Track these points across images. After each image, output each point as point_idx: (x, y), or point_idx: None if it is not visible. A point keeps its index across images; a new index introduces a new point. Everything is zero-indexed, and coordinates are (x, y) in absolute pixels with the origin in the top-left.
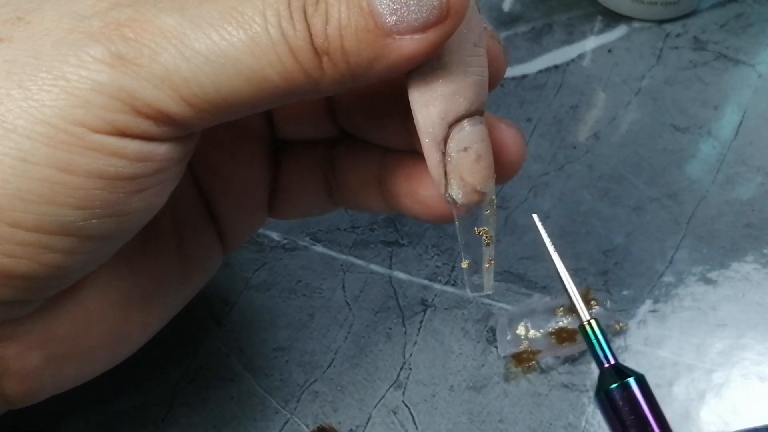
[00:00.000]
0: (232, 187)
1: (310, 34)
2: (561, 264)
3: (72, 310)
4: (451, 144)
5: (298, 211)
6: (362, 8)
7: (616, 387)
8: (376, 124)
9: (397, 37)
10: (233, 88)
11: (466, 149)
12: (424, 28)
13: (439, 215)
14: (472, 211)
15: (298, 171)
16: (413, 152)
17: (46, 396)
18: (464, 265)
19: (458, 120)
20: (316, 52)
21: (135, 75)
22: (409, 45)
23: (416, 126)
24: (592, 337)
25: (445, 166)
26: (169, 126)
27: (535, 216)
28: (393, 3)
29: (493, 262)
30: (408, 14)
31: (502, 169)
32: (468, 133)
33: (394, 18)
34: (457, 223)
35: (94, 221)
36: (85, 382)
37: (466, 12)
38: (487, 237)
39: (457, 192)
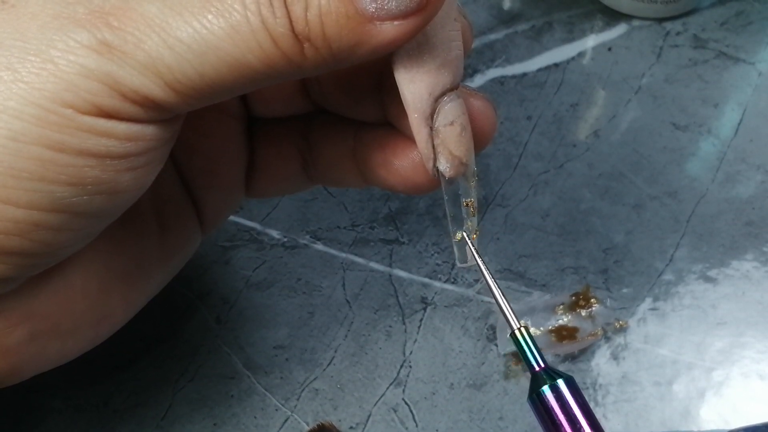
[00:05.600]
0: (209, 167)
1: (290, 21)
2: (488, 273)
3: (56, 286)
4: (439, 118)
5: (275, 189)
6: None
7: (547, 388)
8: (350, 99)
9: (377, 23)
10: (216, 74)
11: (452, 123)
12: (404, 15)
13: (412, 185)
14: (456, 184)
15: (273, 148)
16: (387, 125)
17: (30, 375)
18: (457, 236)
19: (443, 94)
20: (297, 38)
21: (121, 62)
22: (390, 30)
23: (404, 102)
24: (523, 343)
25: (433, 140)
26: (155, 110)
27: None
28: None
29: (477, 234)
30: (389, 2)
31: (477, 139)
32: (452, 106)
33: (374, 5)
34: (445, 197)
35: (85, 198)
36: (68, 361)
37: None
38: (472, 208)
39: (445, 165)
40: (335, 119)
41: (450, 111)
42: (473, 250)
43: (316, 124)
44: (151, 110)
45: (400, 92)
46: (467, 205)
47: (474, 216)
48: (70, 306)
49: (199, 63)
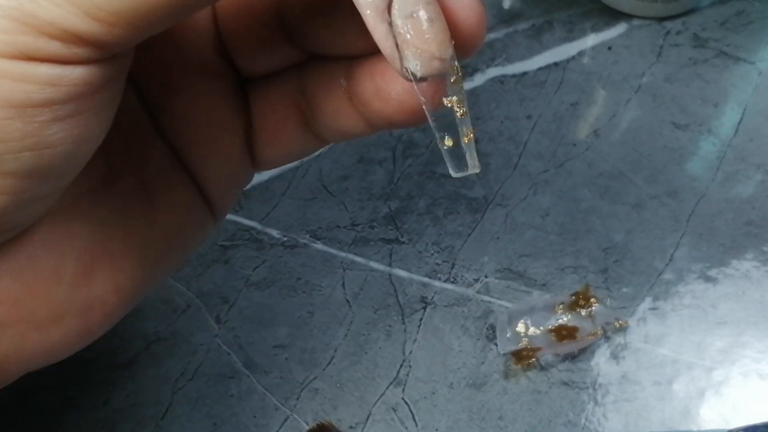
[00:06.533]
0: (200, 136)
1: None
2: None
3: (19, 267)
4: (396, 11)
5: (281, 154)
6: None
7: None
8: (333, 32)
9: None
10: None
11: (413, 14)
12: None
13: (412, 111)
14: (436, 85)
15: (269, 107)
16: (376, 53)
17: (17, 373)
18: (448, 142)
19: None
20: None
21: None
22: None
23: (354, 1)
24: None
25: (394, 37)
26: (81, 46)
27: None
28: None
29: (472, 135)
30: None
31: (460, 37)
32: None
33: None
34: (422, 99)
35: (9, 156)
36: (62, 357)
37: None
38: (458, 106)
39: (414, 63)
40: (326, 63)
41: (409, 1)
42: (471, 155)
43: (309, 73)
44: (76, 46)
45: None
46: (452, 103)
47: (464, 117)
48: (43, 291)
49: None
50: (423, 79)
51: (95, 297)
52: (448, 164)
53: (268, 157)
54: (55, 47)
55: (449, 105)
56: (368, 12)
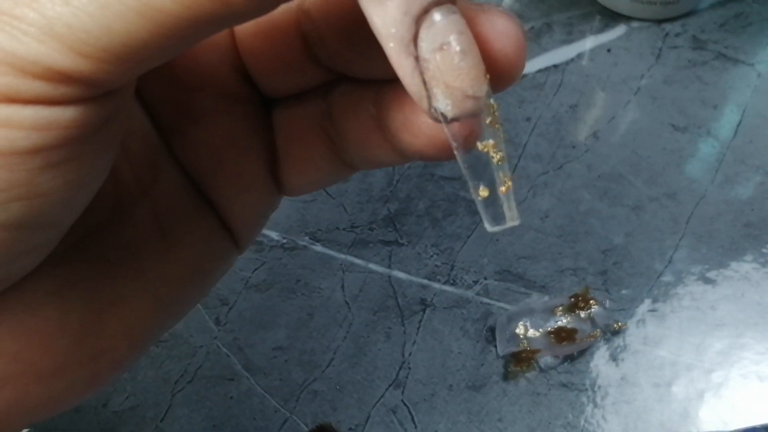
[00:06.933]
0: (223, 163)
1: None
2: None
3: (17, 319)
4: (423, 43)
5: (309, 181)
6: None
7: None
8: (359, 54)
9: None
10: (127, 27)
11: (443, 47)
12: None
13: (444, 147)
14: (469, 126)
15: (295, 132)
16: None
17: (21, 427)
18: (483, 193)
19: (425, 11)
20: None
21: (12, 29)
22: None
23: (375, 32)
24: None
25: (421, 73)
26: (68, 85)
27: None
28: None
29: (510, 183)
30: None
31: (496, 70)
32: (442, 25)
33: None
34: (453, 144)
35: None
36: (66, 409)
37: None
38: (494, 152)
39: (444, 103)
40: (354, 86)
41: (440, 31)
42: (509, 206)
43: (336, 96)
44: (63, 86)
45: (368, 19)
46: (486, 148)
47: (501, 163)
48: (46, 342)
49: (102, 16)
50: (454, 119)
51: (104, 345)
52: (483, 217)
53: (294, 184)
54: (40, 87)
55: (485, 150)
56: (391, 45)
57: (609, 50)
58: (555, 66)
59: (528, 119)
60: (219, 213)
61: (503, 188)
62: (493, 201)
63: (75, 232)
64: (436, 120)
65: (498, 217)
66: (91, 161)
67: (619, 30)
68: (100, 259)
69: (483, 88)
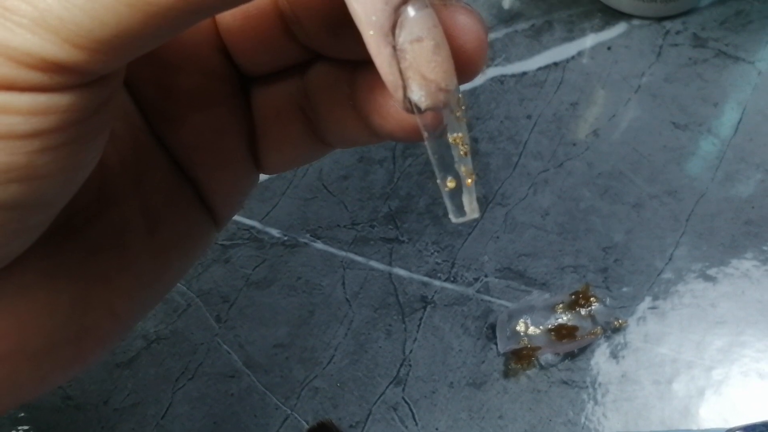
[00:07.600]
0: (202, 141)
1: None
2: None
3: (8, 299)
4: (402, 33)
5: (286, 158)
6: None
7: None
8: (335, 35)
9: None
10: (118, 19)
11: (420, 39)
12: None
13: (412, 129)
14: (439, 117)
15: (272, 110)
16: None
17: (11, 406)
18: (450, 183)
19: (403, 2)
20: None
21: (5, 21)
22: None
23: (354, 18)
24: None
25: (398, 63)
26: (62, 74)
27: None
28: None
29: (474, 177)
30: None
31: (461, 63)
32: (418, 18)
33: None
34: (425, 134)
35: None
36: (52, 388)
37: None
38: (462, 144)
39: (419, 94)
40: (330, 66)
41: (417, 22)
42: (471, 199)
43: (312, 75)
44: (57, 74)
45: (347, 3)
46: (456, 141)
47: (466, 156)
48: (35, 321)
49: (92, 8)
50: (426, 110)
51: (89, 323)
52: (449, 208)
53: (272, 162)
54: (36, 76)
55: (454, 142)
56: (371, 32)
57: (609, 48)
58: (555, 64)
59: (528, 117)
60: (199, 191)
61: (468, 180)
62: (459, 192)
63: (62, 213)
64: (408, 111)
65: (462, 209)
66: (87, 143)
67: (620, 28)
68: (86, 238)
69: (453, 81)
